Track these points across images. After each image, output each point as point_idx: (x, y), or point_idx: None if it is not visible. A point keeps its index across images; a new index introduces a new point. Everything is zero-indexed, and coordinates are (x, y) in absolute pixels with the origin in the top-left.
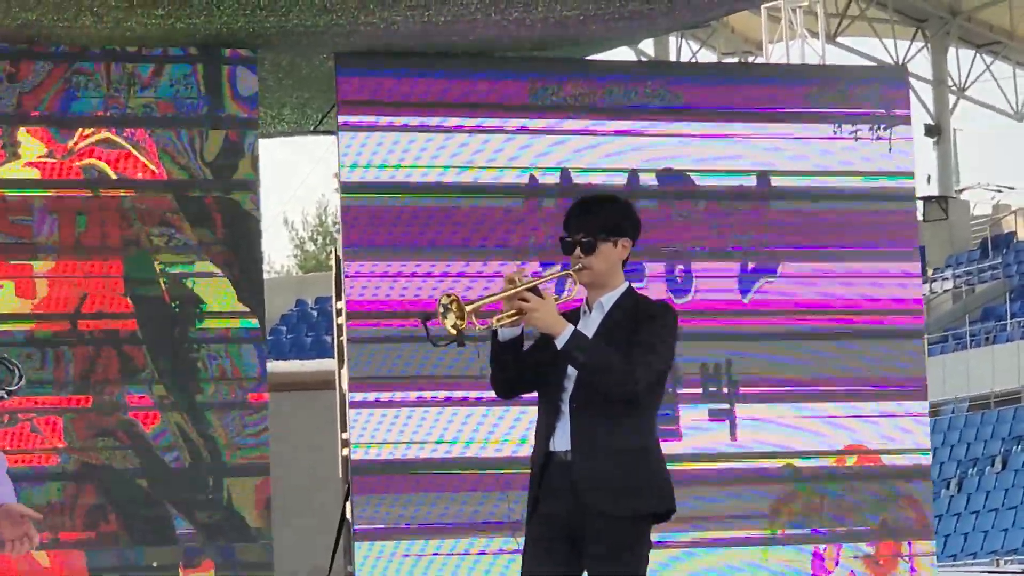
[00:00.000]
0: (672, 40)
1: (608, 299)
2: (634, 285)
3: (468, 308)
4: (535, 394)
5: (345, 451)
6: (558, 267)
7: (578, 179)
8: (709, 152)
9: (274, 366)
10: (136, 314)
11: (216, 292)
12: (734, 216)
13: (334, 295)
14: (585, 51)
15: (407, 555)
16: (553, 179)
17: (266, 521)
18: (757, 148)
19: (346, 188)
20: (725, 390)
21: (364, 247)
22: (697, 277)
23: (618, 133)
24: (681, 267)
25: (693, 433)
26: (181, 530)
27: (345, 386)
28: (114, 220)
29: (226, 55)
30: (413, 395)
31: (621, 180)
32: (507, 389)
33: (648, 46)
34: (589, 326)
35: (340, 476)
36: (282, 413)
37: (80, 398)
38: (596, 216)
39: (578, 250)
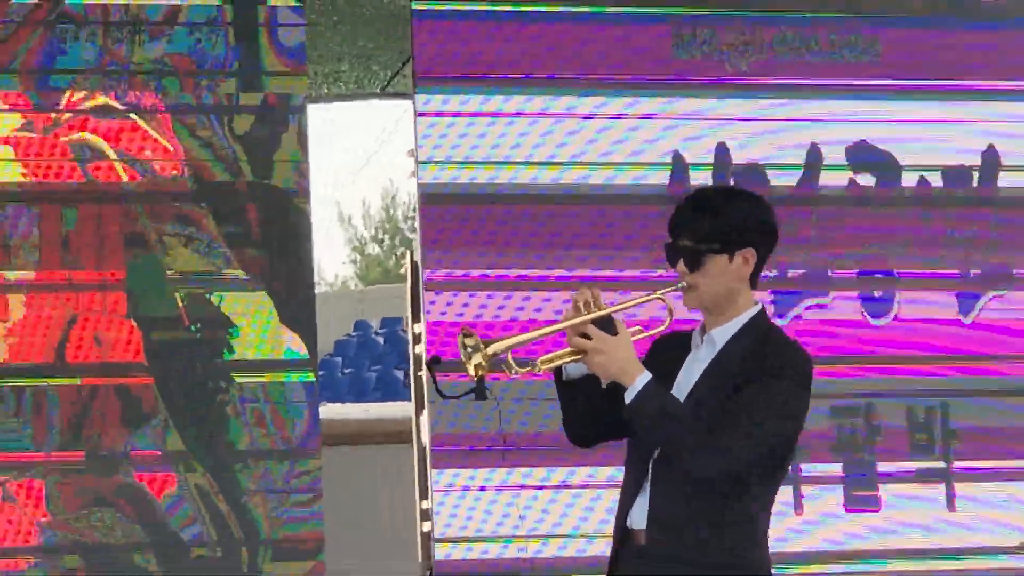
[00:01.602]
0: None
1: (723, 332)
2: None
3: (489, 350)
4: None
5: (426, 526)
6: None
7: (738, 156)
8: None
9: (328, 411)
10: (143, 340)
11: (251, 311)
12: (952, 208)
13: (409, 315)
14: None
15: None
16: (706, 157)
17: None
18: (984, 116)
19: (427, 169)
20: (939, 444)
21: (450, 249)
22: (901, 290)
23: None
24: (879, 275)
25: (896, 502)
26: None
27: (426, 439)
28: (114, 214)
29: None
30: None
31: (799, 158)
32: (580, 435)
33: None
34: (698, 363)
35: (420, 559)
36: (338, 474)
37: (68, 454)
38: (711, 217)
39: (682, 263)
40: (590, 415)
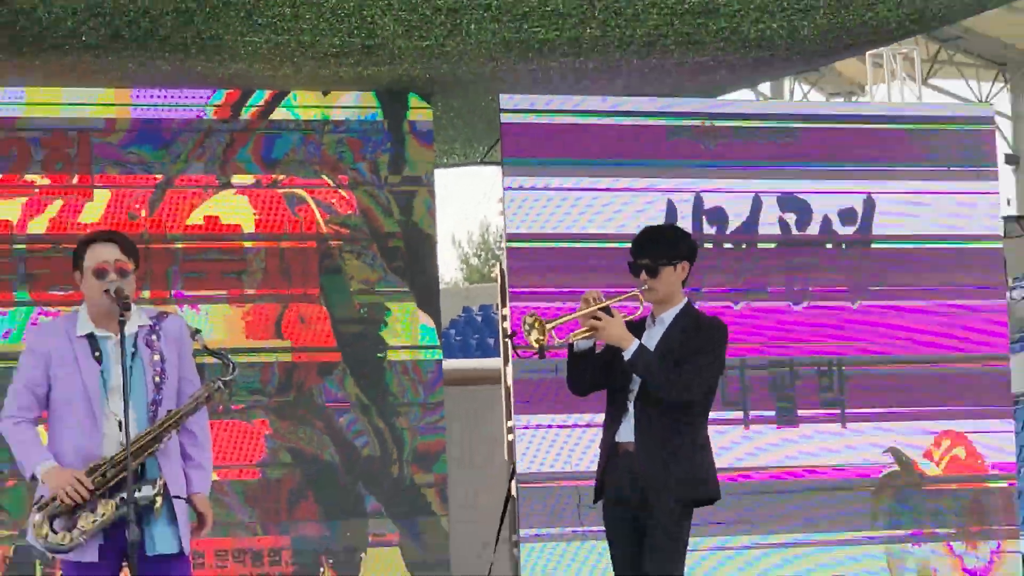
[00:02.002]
0: (786, 82)
1: (669, 314)
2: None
3: (549, 325)
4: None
5: (510, 436)
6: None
7: (709, 202)
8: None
9: (447, 364)
10: (332, 322)
11: (399, 301)
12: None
13: (499, 302)
14: (714, 93)
15: (566, 525)
16: (688, 203)
17: (443, 499)
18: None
19: (510, 209)
20: (836, 390)
21: (525, 262)
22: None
23: (745, 165)
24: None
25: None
26: (371, 507)
27: (510, 381)
28: (312, 239)
29: (406, 98)
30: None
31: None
32: (580, 389)
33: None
34: (653, 336)
35: (506, 458)
36: (453, 404)
37: (283, 397)
38: (659, 244)
39: (643, 273)
40: (587, 375)
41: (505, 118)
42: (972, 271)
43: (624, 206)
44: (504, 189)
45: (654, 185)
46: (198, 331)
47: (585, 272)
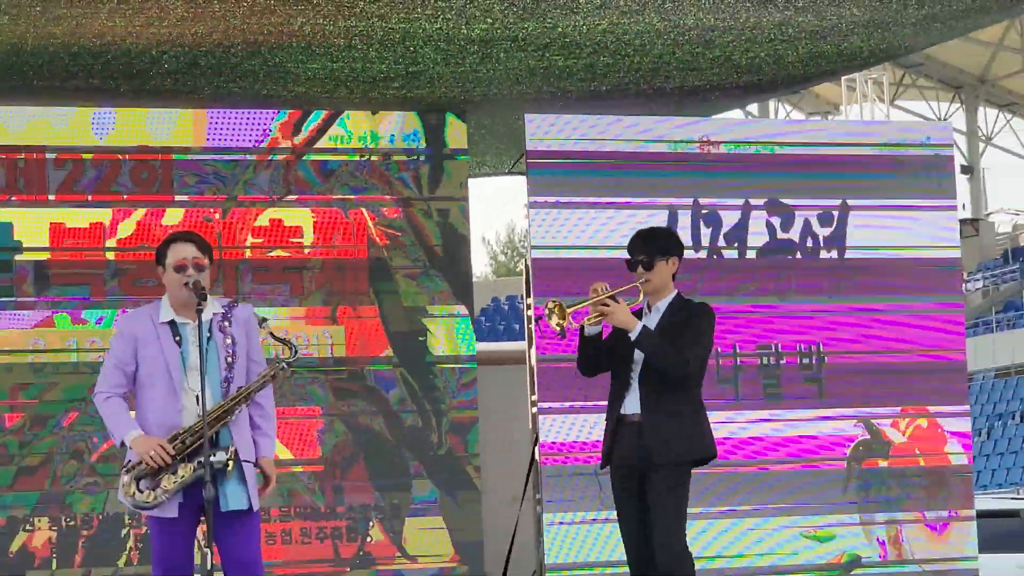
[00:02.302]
0: (771, 103)
1: (664, 303)
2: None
3: (569, 309)
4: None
5: (534, 409)
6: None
7: (706, 209)
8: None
9: (479, 346)
10: (380, 312)
11: (437, 292)
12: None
13: (524, 293)
14: (708, 112)
15: (587, 486)
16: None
17: (477, 461)
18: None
19: (534, 205)
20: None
21: (551, 260)
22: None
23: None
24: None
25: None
26: (414, 469)
27: (534, 361)
28: (362, 237)
29: (444, 117)
30: None
31: (739, 204)
32: (589, 370)
33: (753, 108)
34: (651, 322)
35: (530, 427)
36: (485, 381)
37: (337, 371)
38: (653, 242)
39: (640, 268)
40: (595, 358)
41: (530, 138)
42: (931, 278)
43: (629, 218)
44: (528, 205)
45: (656, 200)
46: (265, 319)
47: (596, 274)
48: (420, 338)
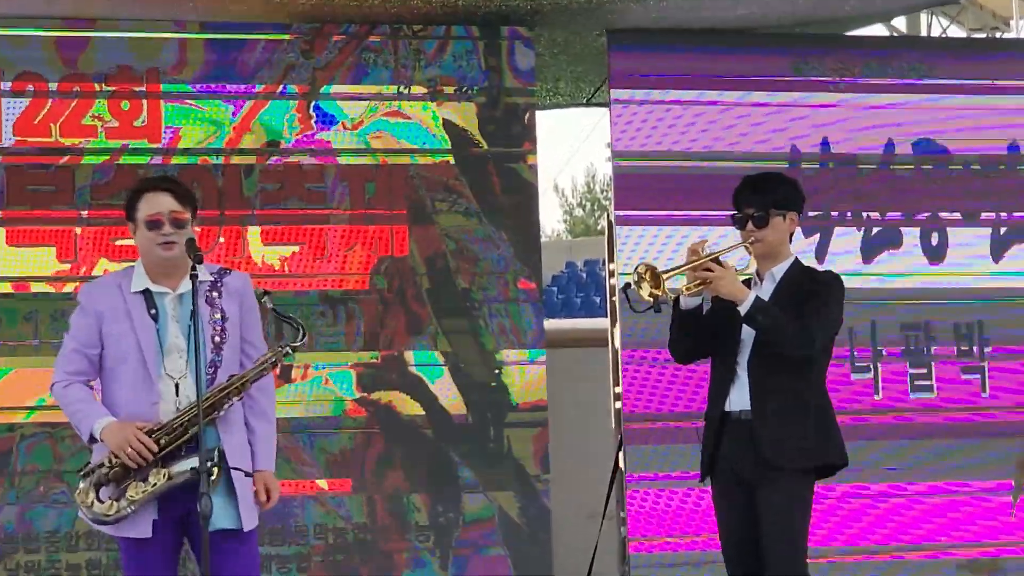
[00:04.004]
0: (923, 17)
1: (779, 270)
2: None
3: (665, 276)
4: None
5: (618, 404)
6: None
7: (837, 148)
8: (961, 123)
9: (549, 324)
10: (425, 275)
11: (496, 255)
12: (986, 184)
13: (606, 257)
14: (843, 28)
15: (676, 501)
16: (815, 148)
17: (544, 468)
18: (1007, 119)
19: (618, 155)
20: (976, 349)
21: (635, 211)
22: (952, 245)
23: (874, 108)
24: (936, 233)
25: (948, 388)
26: (464, 477)
27: (618, 344)
28: (400, 187)
29: (505, 33)
30: None
31: (878, 149)
32: (685, 354)
33: (900, 23)
34: (763, 294)
35: (612, 427)
36: (556, 368)
37: (367, 351)
38: (767, 192)
39: (751, 223)
40: (691, 337)
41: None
42: None
43: (738, 120)
44: (611, 103)
45: (776, 132)
46: (267, 293)
47: (698, 197)
48: (474, 312)
